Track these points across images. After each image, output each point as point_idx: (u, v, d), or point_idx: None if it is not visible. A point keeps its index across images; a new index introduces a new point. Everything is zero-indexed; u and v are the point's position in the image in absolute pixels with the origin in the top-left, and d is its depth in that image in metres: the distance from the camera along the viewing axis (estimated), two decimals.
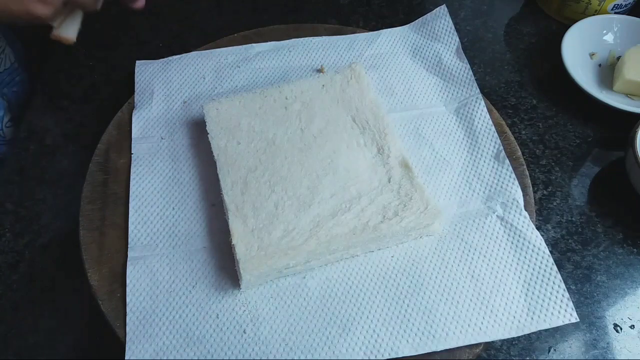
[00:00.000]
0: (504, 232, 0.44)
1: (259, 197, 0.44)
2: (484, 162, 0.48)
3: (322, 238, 0.41)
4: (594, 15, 0.60)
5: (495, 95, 0.58)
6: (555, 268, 0.42)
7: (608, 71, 0.59)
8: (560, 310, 0.40)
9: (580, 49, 0.59)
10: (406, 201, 0.43)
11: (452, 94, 0.53)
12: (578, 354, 0.42)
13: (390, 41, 0.58)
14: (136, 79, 0.55)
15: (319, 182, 0.44)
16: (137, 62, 0.56)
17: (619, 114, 0.53)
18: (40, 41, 0.56)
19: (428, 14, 0.59)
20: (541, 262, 0.42)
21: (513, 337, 0.40)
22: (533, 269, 0.42)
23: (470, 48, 0.61)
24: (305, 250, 0.41)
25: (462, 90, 0.53)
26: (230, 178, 0.45)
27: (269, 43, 0.57)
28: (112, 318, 0.41)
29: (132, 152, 0.49)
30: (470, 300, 0.40)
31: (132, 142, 0.50)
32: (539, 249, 0.43)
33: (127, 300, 0.41)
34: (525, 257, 0.42)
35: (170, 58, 0.56)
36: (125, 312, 0.40)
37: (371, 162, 0.46)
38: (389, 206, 0.43)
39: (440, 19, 0.58)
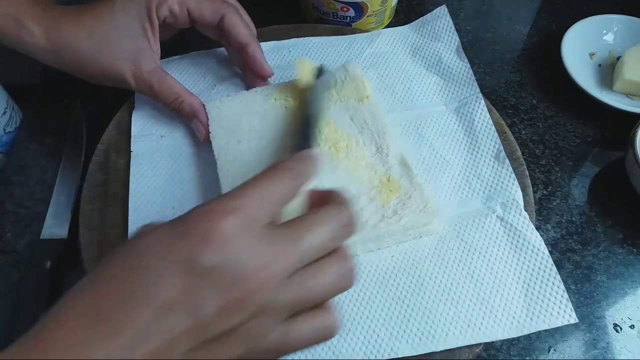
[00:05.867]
0: (504, 232, 0.44)
1: None
2: (484, 162, 0.48)
3: None
4: None
5: (495, 95, 0.58)
6: (554, 269, 0.42)
7: (608, 71, 0.59)
8: (559, 311, 0.40)
9: (580, 49, 0.59)
10: (405, 200, 0.43)
11: (452, 93, 0.53)
12: (578, 354, 0.42)
13: (390, 41, 0.58)
14: None
15: (318, 181, 0.44)
16: None
17: (619, 114, 0.53)
18: None
19: (428, 14, 0.59)
20: (540, 263, 0.42)
21: (513, 337, 0.40)
22: (532, 270, 0.42)
23: (470, 48, 0.61)
24: None
25: (462, 89, 0.53)
26: (230, 177, 0.45)
27: (269, 43, 0.57)
28: None
29: (132, 150, 0.49)
30: (470, 300, 0.40)
31: (132, 140, 0.50)
32: (538, 249, 0.43)
33: None
34: (524, 258, 0.42)
35: (170, 58, 0.56)
36: None
37: (370, 161, 0.46)
38: (388, 205, 0.43)
39: (440, 19, 0.58)
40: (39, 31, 0.46)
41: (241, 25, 0.50)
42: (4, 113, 0.51)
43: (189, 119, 0.50)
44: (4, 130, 0.52)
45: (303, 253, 0.27)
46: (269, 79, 0.53)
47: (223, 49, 0.56)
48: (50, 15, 0.47)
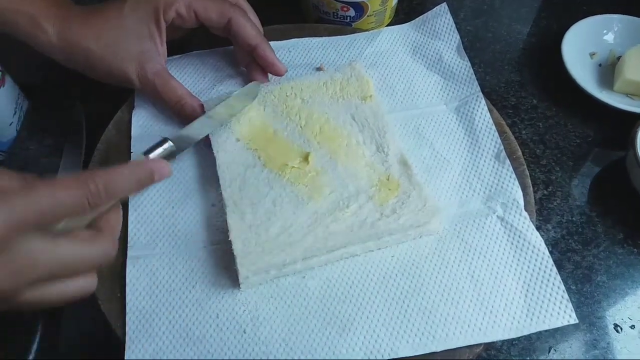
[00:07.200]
0: (504, 232, 0.44)
1: (257, 194, 0.44)
2: (485, 161, 0.48)
3: (320, 235, 0.41)
4: None
5: (495, 95, 0.58)
6: (554, 269, 0.41)
7: (608, 71, 0.59)
8: (559, 311, 0.40)
9: (580, 49, 0.59)
10: (404, 199, 0.43)
11: (453, 92, 0.53)
12: (578, 354, 0.42)
13: (391, 39, 0.57)
14: None
15: (318, 179, 0.44)
16: None
17: (619, 113, 0.53)
18: None
19: (428, 12, 0.59)
20: (541, 263, 0.42)
21: (513, 337, 0.40)
22: (533, 270, 0.42)
23: (471, 48, 0.61)
24: (302, 246, 0.41)
25: (463, 89, 0.53)
26: (228, 174, 0.45)
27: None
28: (112, 318, 0.41)
29: (132, 150, 0.49)
30: (470, 300, 0.40)
31: (132, 140, 0.50)
32: (538, 250, 0.42)
33: (127, 300, 0.41)
34: (525, 258, 0.42)
35: (170, 58, 0.56)
36: (125, 312, 0.40)
37: (370, 160, 0.46)
38: (386, 204, 0.43)
39: (441, 17, 0.58)
40: (52, 30, 0.47)
41: (249, 27, 0.50)
42: (15, 113, 0.52)
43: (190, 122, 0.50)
44: (16, 130, 0.53)
45: (49, 270, 0.30)
46: (269, 76, 0.53)
47: (223, 48, 0.56)
48: (63, 15, 0.48)
